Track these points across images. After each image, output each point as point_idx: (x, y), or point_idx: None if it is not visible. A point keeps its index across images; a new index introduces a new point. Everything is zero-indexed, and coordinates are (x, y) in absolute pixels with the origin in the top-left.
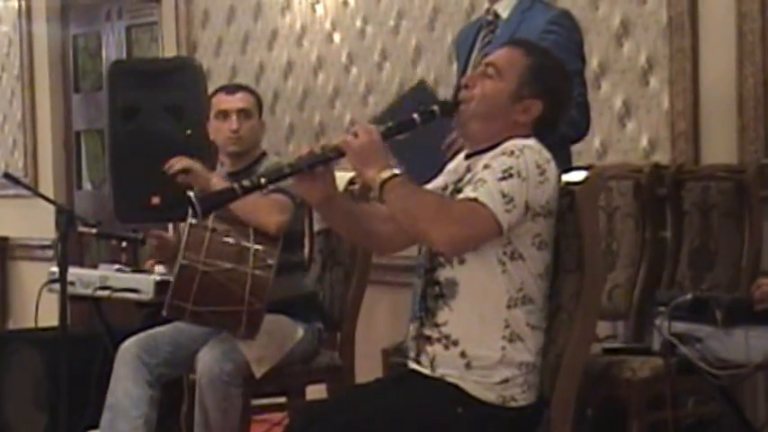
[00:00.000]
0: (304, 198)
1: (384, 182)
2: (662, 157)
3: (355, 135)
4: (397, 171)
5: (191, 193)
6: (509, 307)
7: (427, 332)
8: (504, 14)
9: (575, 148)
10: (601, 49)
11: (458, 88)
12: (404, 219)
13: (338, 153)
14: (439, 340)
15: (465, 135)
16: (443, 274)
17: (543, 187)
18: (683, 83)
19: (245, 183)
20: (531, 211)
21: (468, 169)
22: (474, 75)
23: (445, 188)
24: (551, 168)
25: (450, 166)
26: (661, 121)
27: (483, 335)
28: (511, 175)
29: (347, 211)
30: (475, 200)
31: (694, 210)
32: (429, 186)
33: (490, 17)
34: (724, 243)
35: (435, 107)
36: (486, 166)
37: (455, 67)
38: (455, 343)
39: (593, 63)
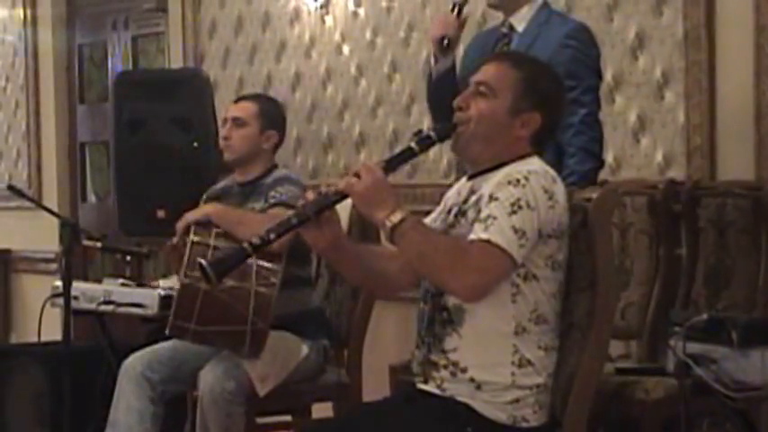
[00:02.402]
0: (311, 245)
1: (394, 226)
2: (677, 172)
3: (357, 176)
4: (405, 213)
5: (202, 261)
6: (516, 333)
7: (434, 358)
8: (520, 27)
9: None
10: (615, 62)
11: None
12: (420, 266)
13: (342, 196)
14: (446, 367)
15: (466, 157)
16: (451, 299)
17: (553, 211)
18: (699, 97)
19: (255, 240)
20: (544, 237)
21: (473, 191)
22: (466, 95)
23: (449, 211)
24: (559, 189)
25: (453, 189)
26: (676, 136)
27: (491, 361)
28: (520, 207)
29: (354, 254)
30: (488, 241)
31: (710, 227)
32: (433, 216)
33: (505, 29)
34: (740, 261)
35: (432, 133)
36: (492, 198)
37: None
38: (463, 370)
39: (607, 76)
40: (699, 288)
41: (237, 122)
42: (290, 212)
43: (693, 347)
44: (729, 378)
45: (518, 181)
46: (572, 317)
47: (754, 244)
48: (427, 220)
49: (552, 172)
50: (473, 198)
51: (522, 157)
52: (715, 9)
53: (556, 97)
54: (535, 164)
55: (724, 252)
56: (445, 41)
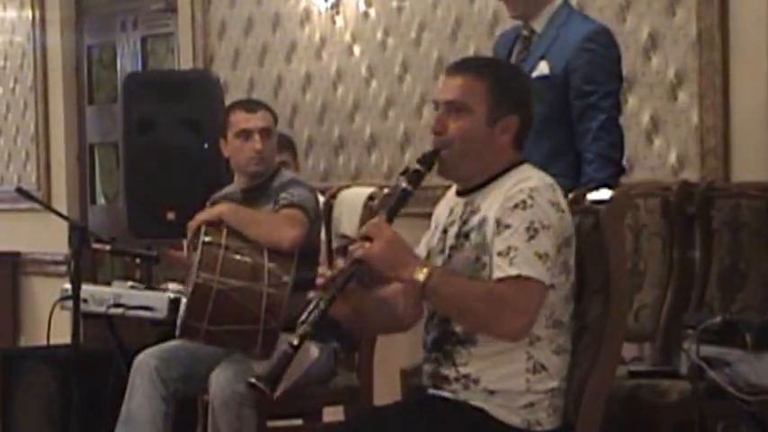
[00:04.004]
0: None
1: (424, 285)
2: (691, 174)
3: (367, 239)
4: (428, 267)
5: (252, 380)
6: (531, 343)
7: (444, 372)
8: (539, 28)
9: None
10: (628, 62)
11: None
12: (459, 319)
13: (362, 266)
14: (458, 380)
15: (455, 178)
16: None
17: (563, 220)
18: (713, 97)
19: (294, 341)
20: (561, 248)
21: (471, 210)
22: (440, 118)
23: (445, 231)
24: (560, 195)
25: (442, 206)
26: (690, 137)
27: (505, 372)
28: (536, 231)
29: (370, 310)
30: (519, 277)
31: (724, 228)
32: (427, 238)
33: (526, 32)
34: (755, 263)
35: (418, 166)
36: (504, 225)
37: None
38: (476, 381)
39: None
40: (713, 290)
41: (267, 133)
42: (313, 295)
43: (707, 350)
44: (744, 381)
45: (524, 203)
46: (585, 320)
47: None
48: (422, 244)
49: (548, 178)
50: (474, 219)
51: (512, 165)
52: (728, 9)
53: (526, 92)
54: (531, 175)
55: (738, 254)
56: None
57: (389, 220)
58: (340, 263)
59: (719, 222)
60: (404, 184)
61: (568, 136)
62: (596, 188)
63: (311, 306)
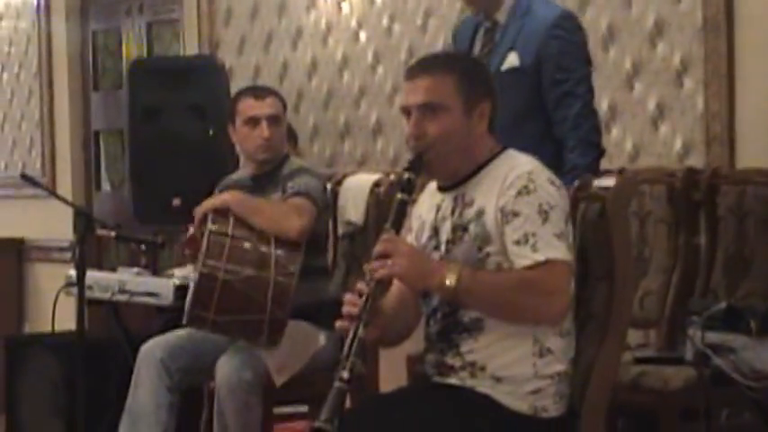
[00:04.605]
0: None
1: (456, 289)
2: (696, 160)
3: (384, 257)
4: (455, 271)
5: (319, 425)
6: (536, 326)
7: (450, 361)
8: (502, 20)
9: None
10: (634, 49)
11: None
12: (499, 315)
13: (386, 286)
14: (464, 368)
15: (443, 176)
16: (467, 315)
17: (563, 197)
18: (719, 84)
19: (345, 375)
20: (568, 223)
21: (463, 203)
22: (417, 122)
23: (435, 228)
24: (551, 173)
25: (423, 205)
26: (695, 124)
27: (511, 358)
28: (547, 212)
29: (391, 321)
30: (547, 261)
31: (729, 215)
32: (411, 239)
33: (489, 24)
34: (760, 250)
35: (408, 175)
36: (513, 214)
37: None
38: (482, 369)
39: (626, 63)
40: (718, 277)
41: (275, 120)
42: (341, 324)
43: (712, 337)
44: (748, 367)
45: (526, 188)
46: (590, 307)
47: None
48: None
49: (535, 159)
50: (470, 211)
51: (495, 152)
52: None
53: (490, 76)
54: (520, 159)
55: (743, 241)
56: None
57: (396, 232)
58: (362, 287)
59: (725, 209)
60: (399, 195)
61: (546, 124)
62: (581, 175)
63: (350, 337)
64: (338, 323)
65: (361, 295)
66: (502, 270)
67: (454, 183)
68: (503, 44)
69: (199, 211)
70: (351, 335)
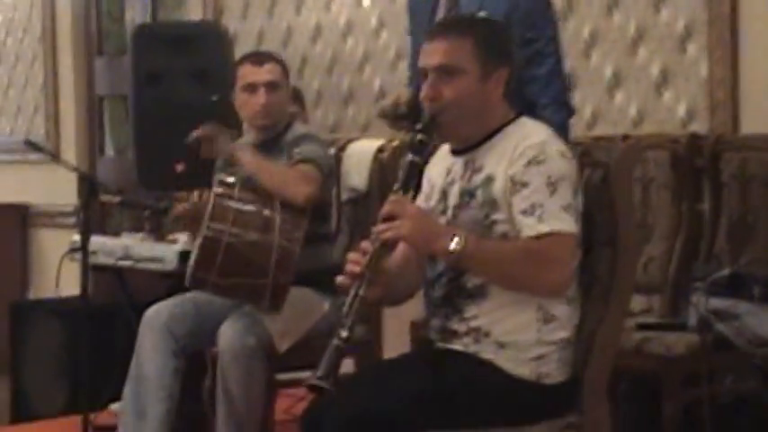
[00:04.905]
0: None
1: (459, 254)
2: (700, 126)
3: (391, 218)
4: (460, 236)
5: (313, 382)
6: None
7: (454, 327)
8: None
9: (610, 117)
10: (638, 15)
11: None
12: (500, 282)
13: (392, 247)
14: (468, 334)
15: (456, 140)
16: (471, 281)
17: (573, 168)
18: (722, 50)
19: (343, 334)
20: (577, 195)
21: (473, 168)
22: (433, 84)
23: (444, 192)
24: (562, 142)
25: (435, 168)
26: (699, 90)
27: (516, 324)
28: (556, 184)
29: (394, 282)
30: (551, 233)
31: (733, 181)
32: (421, 201)
33: None
34: (763, 215)
35: (420, 137)
36: (521, 184)
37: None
38: (486, 334)
39: (630, 29)
40: (721, 243)
41: (272, 87)
42: (343, 280)
43: (715, 303)
44: (751, 333)
45: (537, 158)
46: (593, 273)
47: None
48: (419, 204)
49: (549, 128)
50: (478, 178)
51: (510, 120)
52: None
53: (511, 42)
54: (533, 128)
55: (747, 206)
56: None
57: (405, 194)
58: (367, 246)
59: (728, 175)
60: (410, 156)
61: (515, 84)
62: (556, 132)
63: (351, 295)
64: (339, 278)
65: (365, 254)
66: (507, 239)
67: (466, 147)
68: (470, 6)
69: (205, 129)
70: (352, 293)
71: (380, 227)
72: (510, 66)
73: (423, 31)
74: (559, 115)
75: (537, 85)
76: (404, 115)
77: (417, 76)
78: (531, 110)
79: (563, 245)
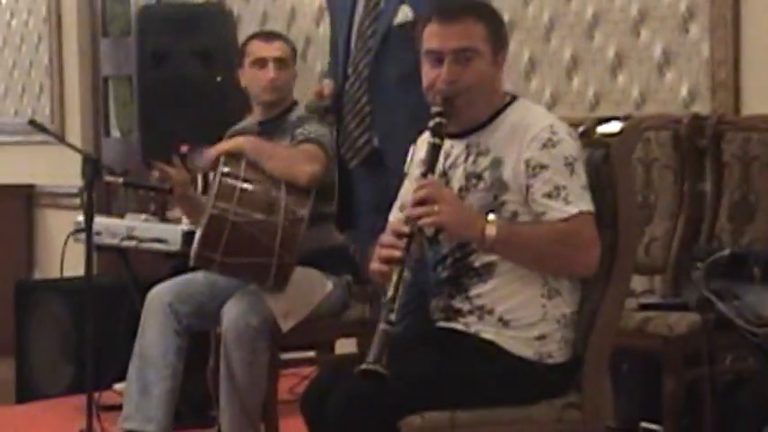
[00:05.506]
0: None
1: (494, 241)
2: (702, 107)
3: (428, 201)
4: (494, 223)
5: (366, 367)
6: None
7: (458, 305)
8: None
9: (613, 97)
10: None
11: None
12: (537, 267)
13: (437, 232)
14: (471, 312)
15: (466, 122)
16: (479, 260)
17: (580, 148)
18: (724, 31)
19: (392, 317)
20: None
21: (477, 151)
22: (452, 69)
23: (444, 174)
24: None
25: (424, 153)
26: (701, 71)
27: (521, 300)
28: (572, 164)
29: None
30: (579, 213)
31: (735, 161)
32: (408, 185)
33: None
34: (764, 196)
35: (439, 120)
36: (539, 167)
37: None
38: (490, 312)
39: (632, 10)
40: (723, 223)
41: (281, 63)
42: (381, 268)
43: (716, 283)
44: (751, 313)
45: (551, 140)
46: None
47: None
48: (405, 188)
49: (547, 111)
50: (485, 160)
51: (508, 102)
52: None
53: (504, 25)
54: (537, 110)
55: (748, 187)
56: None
57: (429, 175)
58: (404, 229)
59: (730, 155)
60: (432, 139)
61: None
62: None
63: (395, 279)
64: (374, 265)
65: (400, 237)
66: (537, 222)
67: (465, 130)
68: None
69: (212, 154)
70: (395, 277)
71: (418, 210)
72: (506, 47)
73: (343, 21)
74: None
75: None
76: (328, 108)
77: (336, 65)
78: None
79: (590, 224)
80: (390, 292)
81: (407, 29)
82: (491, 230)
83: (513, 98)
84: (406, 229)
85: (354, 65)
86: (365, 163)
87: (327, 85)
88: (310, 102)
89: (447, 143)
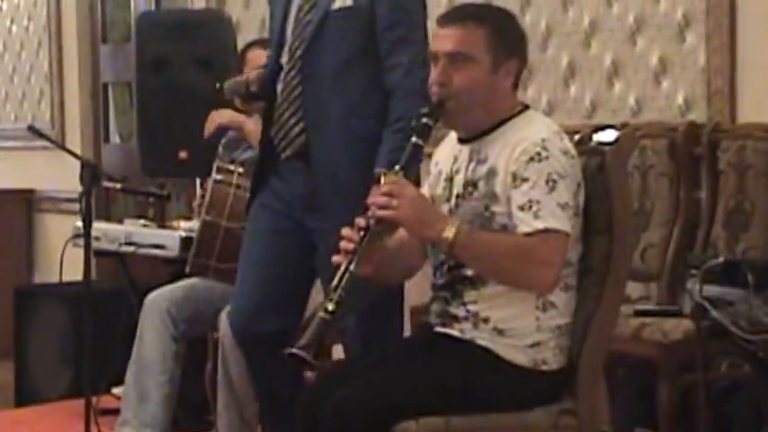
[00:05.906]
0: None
1: (452, 243)
2: (698, 115)
3: (389, 195)
4: (454, 225)
5: (293, 350)
6: None
7: (453, 311)
8: None
9: (610, 105)
10: (637, 4)
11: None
12: (490, 274)
13: (389, 227)
14: (467, 319)
15: (462, 128)
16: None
17: (575, 167)
18: (720, 39)
19: (330, 307)
20: (577, 194)
21: (477, 159)
22: (443, 69)
23: (449, 179)
24: (567, 141)
25: (443, 152)
26: (697, 79)
27: (514, 311)
28: (555, 181)
29: (389, 260)
30: (546, 230)
31: (730, 169)
32: (425, 188)
33: None
34: (760, 204)
35: (426, 120)
36: (521, 179)
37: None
38: (485, 320)
39: (629, 18)
40: (718, 230)
41: None
42: (338, 258)
43: (710, 290)
44: (745, 320)
45: (539, 155)
46: (589, 260)
47: None
48: (425, 190)
49: (554, 125)
50: (482, 169)
51: (517, 112)
52: None
53: (523, 35)
54: (538, 124)
55: (743, 195)
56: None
57: (406, 176)
58: (361, 222)
59: (725, 163)
60: (414, 139)
61: (376, 73)
62: (408, 126)
63: (341, 270)
64: (335, 257)
65: (359, 230)
66: (507, 231)
67: (472, 136)
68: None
69: (210, 126)
70: (342, 268)
71: (378, 200)
72: (519, 58)
73: (280, 11)
74: (413, 108)
75: (396, 73)
76: (254, 95)
77: (273, 58)
78: (387, 101)
79: (554, 243)
80: (335, 282)
81: (345, 15)
82: (449, 233)
83: (525, 108)
84: (362, 222)
85: (291, 52)
86: (299, 155)
87: (255, 74)
88: (229, 83)
89: (457, 147)
